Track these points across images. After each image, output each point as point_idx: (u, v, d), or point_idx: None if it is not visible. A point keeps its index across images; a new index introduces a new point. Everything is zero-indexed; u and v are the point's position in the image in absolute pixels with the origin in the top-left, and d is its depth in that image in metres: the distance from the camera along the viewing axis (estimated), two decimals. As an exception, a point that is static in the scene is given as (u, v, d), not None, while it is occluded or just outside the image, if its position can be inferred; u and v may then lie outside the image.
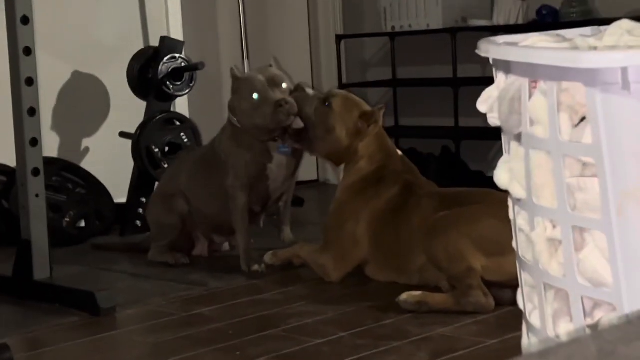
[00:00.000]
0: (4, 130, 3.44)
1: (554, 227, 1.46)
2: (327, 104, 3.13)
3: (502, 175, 1.56)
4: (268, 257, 3.29)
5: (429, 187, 3.09)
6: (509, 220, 1.61)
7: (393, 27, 5.03)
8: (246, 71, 4.56)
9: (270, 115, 3.17)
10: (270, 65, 3.45)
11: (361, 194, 3.08)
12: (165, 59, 4.06)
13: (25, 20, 3.00)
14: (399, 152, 3.20)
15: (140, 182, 4.09)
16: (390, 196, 3.04)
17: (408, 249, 2.93)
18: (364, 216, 3.05)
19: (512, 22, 4.65)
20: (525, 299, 1.59)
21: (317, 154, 3.27)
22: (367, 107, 3.17)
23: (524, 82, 1.45)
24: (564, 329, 1.46)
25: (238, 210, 3.31)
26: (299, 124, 3.16)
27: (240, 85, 3.29)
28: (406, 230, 2.95)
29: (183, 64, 4.09)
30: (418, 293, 2.70)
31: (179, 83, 4.10)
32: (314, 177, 5.20)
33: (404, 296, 2.69)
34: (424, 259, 2.83)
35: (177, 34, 4.50)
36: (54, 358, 2.51)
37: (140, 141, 3.99)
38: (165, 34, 4.41)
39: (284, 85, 3.28)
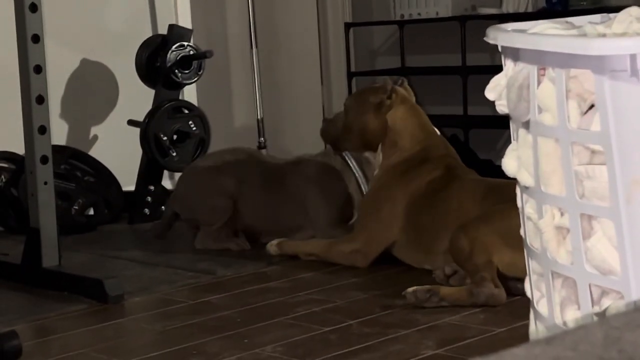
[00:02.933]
0: (12, 118, 3.44)
1: (562, 214, 1.46)
2: (346, 109, 3.21)
3: (510, 163, 1.56)
4: (272, 248, 3.28)
5: (471, 174, 3.09)
6: None
7: (402, 15, 5.02)
8: (255, 62, 4.56)
9: None
10: None
11: (402, 175, 3.06)
12: (174, 47, 4.06)
13: (34, 7, 3.00)
14: (438, 133, 3.19)
15: (149, 170, 4.09)
16: (432, 178, 3.04)
17: (440, 230, 2.91)
18: (402, 197, 3.04)
19: (521, 10, 4.63)
20: (533, 287, 1.59)
21: (354, 149, 3.27)
22: (380, 84, 3.18)
23: (533, 70, 1.45)
24: (572, 317, 1.46)
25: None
26: None
27: None
28: (442, 211, 2.94)
29: (191, 52, 4.09)
30: (427, 286, 2.66)
31: (187, 71, 4.10)
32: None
33: (413, 288, 2.64)
34: None
35: (185, 22, 4.50)
36: (62, 345, 2.52)
37: (148, 129, 3.99)
38: (173, 22, 4.41)
39: None
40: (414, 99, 3.21)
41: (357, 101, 3.16)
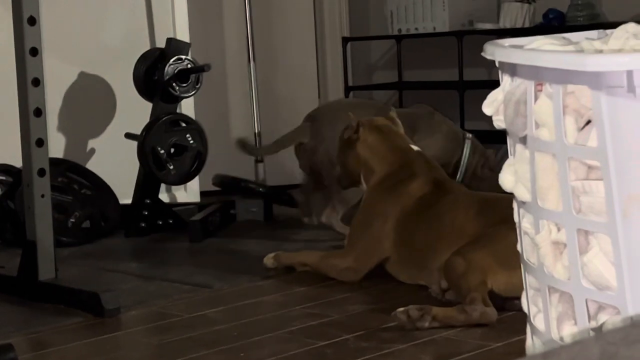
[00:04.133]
0: (10, 131, 3.44)
1: (559, 230, 1.46)
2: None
3: (507, 178, 1.56)
4: (269, 260, 3.28)
5: (461, 188, 3.11)
6: None
7: (399, 30, 5.03)
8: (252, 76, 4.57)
9: None
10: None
11: (389, 192, 3.08)
12: (172, 60, 4.07)
13: (32, 20, 3.01)
14: (416, 149, 3.22)
15: (146, 184, 4.09)
16: (421, 194, 3.05)
17: (434, 246, 2.91)
18: (392, 214, 3.05)
19: (518, 25, 4.65)
20: (530, 302, 1.59)
21: (348, 186, 3.36)
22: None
23: (530, 85, 1.46)
24: (568, 332, 1.46)
25: None
26: None
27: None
28: (436, 227, 2.94)
29: (189, 66, 4.10)
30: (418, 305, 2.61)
31: (184, 85, 4.10)
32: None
33: (403, 308, 2.58)
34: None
35: (183, 35, 4.51)
36: (58, 358, 2.51)
37: (145, 142, 3.99)
38: (171, 35, 4.42)
39: None
40: (399, 128, 3.26)
41: (338, 142, 3.29)
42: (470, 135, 3.76)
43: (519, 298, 2.63)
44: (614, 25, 1.62)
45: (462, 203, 2.96)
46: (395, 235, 3.04)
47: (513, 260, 2.58)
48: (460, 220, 2.89)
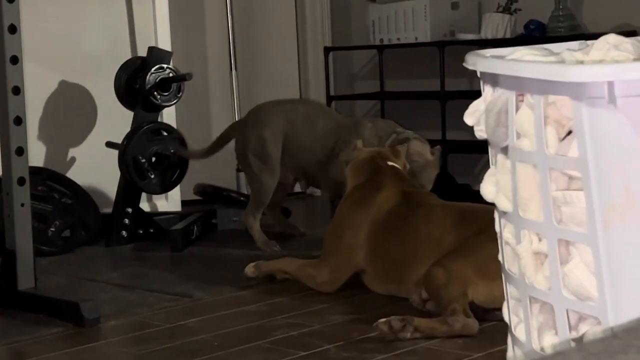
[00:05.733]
0: (-11, 139, 3.42)
1: (540, 240, 1.46)
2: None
3: (489, 188, 1.56)
4: (250, 269, 3.27)
5: (432, 198, 3.10)
6: None
7: (381, 40, 5.04)
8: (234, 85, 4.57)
9: None
10: None
11: (358, 203, 3.08)
12: (153, 69, 4.06)
13: (13, 29, 2.99)
14: (393, 165, 3.24)
15: (127, 193, 4.07)
16: (390, 207, 3.04)
17: (410, 260, 2.90)
18: (363, 225, 3.04)
19: (499, 35, 4.67)
20: (511, 312, 1.59)
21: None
22: None
23: (511, 95, 1.46)
24: (549, 342, 1.46)
25: None
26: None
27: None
28: (411, 240, 2.92)
29: (171, 75, 4.09)
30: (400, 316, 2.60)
31: (166, 93, 4.10)
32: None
33: (385, 319, 2.57)
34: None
35: (165, 44, 4.50)
36: (37, 368, 2.50)
37: (127, 151, 3.98)
38: (153, 44, 4.41)
39: None
40: (400, 161, 3.27)
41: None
42: (438, 147, 3.71)
43: (499, 309, 2.63)
44: (594, 36, 1.63)
45: (438, 215, 2.95)
46: (368, 248, 3.03)
47: (493, 271, 2.58)
48: (437, 232, 2.88)
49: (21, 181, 3.03)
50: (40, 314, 2.94)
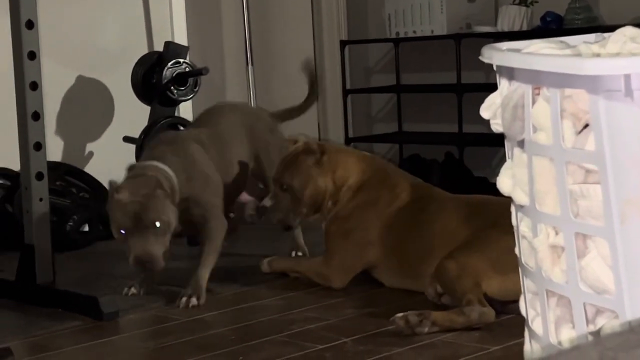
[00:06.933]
0: (8, 134, 3.44)
1: (557, 233, 1.46)
2: (284, 187, 3.13)
3: (505, 182, 1.56)
4: (264, 266, 3.28)
5: (441, 192, 3.09)
6: None
7: (397, 33, 5.03)
8: (250, 79, 4.57)
9: (130, 260, 2.84)
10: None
11: (368, 203, 3.07)
12: (170, 64, 4.07)
13: (30, 24, 3.01)
14: (369, 155, 3.27)
15: (144, 187, 4.08)
16: (402, 204, 3.04)
17: (426, 254, 2.90)
18: (375, 222, 3.04)
19: (516, 28, 4.65)
20: (528, 306, 1.58)
21: (308, 216, 3.19)
22: (299, 148, 3.15)
23: (527, 89, 1.45)
24: (566, 336, 1.46)
25: None
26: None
27: (113, 207, 2.86)
28: (426, 235, 2.93)
29: (187, 69, 4.10)
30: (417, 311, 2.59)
31: (183, 88, 4.10)
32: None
33: (402, 314, 2.56)
34: None
35: (181, 39, 4.51)
36: (56, 362, 2.51)
37: (144, 146, 3.99)
38: (169, 39, 4.42)
39: (156, 224, 2.81)
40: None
41: (297, 174, 3.11)
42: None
43: (516, 301, 2.62)
44: (611, 28, 1.62)
45: (450, 208, 2.95)
46: (382, 245, 3.03)
47: (506, 264, 2.58)
48: (451, 225, 2.88)
49: (39, 176, 3.05)
50: (59, 308, 2.95)
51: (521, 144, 1.50)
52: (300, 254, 3.46)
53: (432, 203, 3.00)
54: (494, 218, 2.74)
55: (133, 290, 3.09)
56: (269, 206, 3.16)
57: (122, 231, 2.82)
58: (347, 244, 3.06)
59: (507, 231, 2.28)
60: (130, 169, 3.04)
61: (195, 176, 3.08)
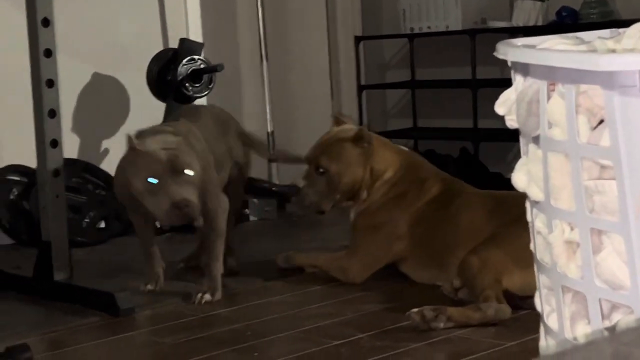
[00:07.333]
0: (24, 132, 3.46)
1: (572, 229, 1.46)
2: (321, 170, 3.10)
3: (520, 178, 1.56)
4: (281, 260, 3.29)
5: (469, 187, 3.11)
6: None
7: (412, 29, 5.03)
8: (265, 75, 4.57)
9: (164, 211, 2.71)
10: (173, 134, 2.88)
11: (399, 199, 3.08)
12: (184, 60, 4.08)
13: (46, 22, 3.02)
14: (407, 150, 3.26)
15: (160, 183, 4.09)
16: (431, 197, 3.07)
17: (452, 246, 2.92)
18: (403, 219, 3.06)
19: (531, 23, 4.64)
20: (543, 302, 1.59)
21: (339, 203, 3.17)
22: (350, 133, 3.12)
23: (542, 85, 1.45)
24: (582, 331, 1.46)
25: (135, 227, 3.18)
26: (200, 223, 2.79)
27: (137, 159, 2.75)
28: (453, 228, 2.96)
29: (202, 66, 4.11)
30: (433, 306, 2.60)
31: (197, 85, 4.11)
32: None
33: (417, 309, 2.57)
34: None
35: (196, 35, 4.52)
36: (73, 358, 2.53)
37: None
38: (184, 35, 4.43)
39: (187, 172, 2.72)
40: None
41: (338, 159, 3.09)
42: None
43: (533, 297, 2.62)
44: (627, 23, 1.62)
45: (476, 203, 2.99)
46: (410, 238, 3.05)
47: (528, 259, 2.58)
48: (477, 220, 2.92)
49: (56, 173, 3.07)
50: (76, 304, 2.97)
51: (536, 139, 1.50)
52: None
53: (458, 198, 3.03)
54: (517, 213, 2.74)
55: (149, 286, 3.10)
56: (302, 187, 3.12)
57: (152, 180, 2.68)
58: (375, 238, 3.06)
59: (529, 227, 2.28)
60: (139, 134, 2.89)
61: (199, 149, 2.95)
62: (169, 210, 2.68)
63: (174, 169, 2.70)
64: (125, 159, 2.83)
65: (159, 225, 3.31)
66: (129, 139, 2.78)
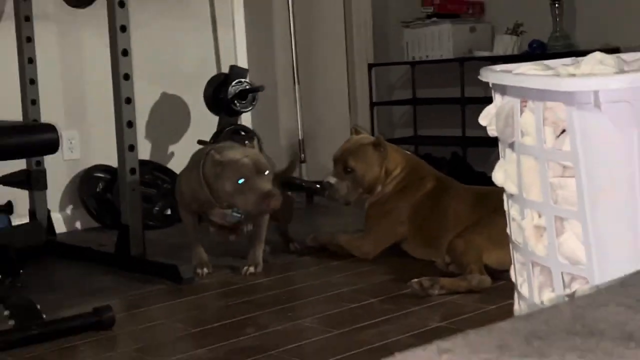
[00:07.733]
0: (108, 139, 3.49)
1: (540, 216, 1.46)
2: (348, 169, 3.10)
3: (499, 176, 1.56)
4: (309, 239, 3.30)
5: (457, 183, 3.10)
6: None
7: (413, 57, 5.02)
8: (297, 95, 4.58)
9: (254, 203, 2.73)
10: (249, 144, 2.99)
11: (402, 193, 3.09)
12: (234, 82, 4.09)
13: (125, 52, 3.04)
14: (409, 154, 3.24)
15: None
16: (426, 191, 3.07)
17: (442, 230, 2.92)
18: (405, 208, 3.07)
19: (508, 52, 4.62)
20: (517, 274, 1.59)
21: (359, 197, 3.15)
22: (370, 139, 3.13)
23: (516, 102, 1.45)
24: (547, 298, 1.46)
25: (186, 225, 3.07)
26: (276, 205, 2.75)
27: (225, 168, 2.75)
28: (442, 216, 2.96)
29: (247, 87, 4.12)
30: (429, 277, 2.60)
31: (244, 102, 4.12)
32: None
33: (417, 279, 2.58)
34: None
35: (243, 62, 4.53)
36: (146, 317, 2.54)
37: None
38: (233, 62, 4.44)
39: (267, 173, 2.76)
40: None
41: (363, 161, 3.09)
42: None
43: (508, 270, 2.62)
44: (585, 53, 1.61)
45: (461, 196, 2.98)
46: (411, 223, 3.05)
47: (504, 241, 2.57)
48: (461, 210, 2.91)
49: (132, 171, 3.09)
50: (148, 274, 2.99)
51: (511, 145, 1.50)
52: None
53: (449, 192, 3.02)
54: (495, 205, 2.74)
55: (206, 270, 2.98)
56: (333, 183, 3.12)
57: (241, 180, 2.70)
58: (385, 222, 3.07)
59: (505, 215, 2.29)
60: (202, 151, 2.91)
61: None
62: (256, 202, 2.71)
63: (258, 170, 2.73)
64: (208, 171, 2.79)
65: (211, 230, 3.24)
66: (213, 154, 2.78)
